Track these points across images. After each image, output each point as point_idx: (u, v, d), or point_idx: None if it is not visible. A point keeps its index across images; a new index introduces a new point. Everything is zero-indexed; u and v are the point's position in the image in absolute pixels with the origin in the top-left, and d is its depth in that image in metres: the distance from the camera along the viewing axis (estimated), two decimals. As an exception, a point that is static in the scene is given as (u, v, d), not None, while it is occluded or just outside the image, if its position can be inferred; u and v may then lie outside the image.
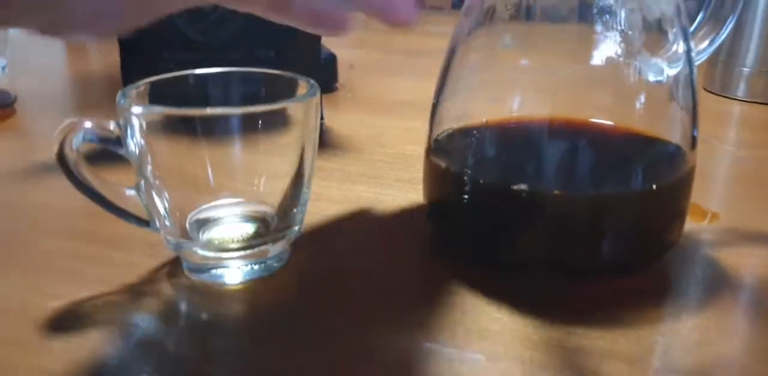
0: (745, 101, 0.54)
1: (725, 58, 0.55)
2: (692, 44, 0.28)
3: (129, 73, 0.45)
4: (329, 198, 0.35)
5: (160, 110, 0.24)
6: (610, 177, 0.27)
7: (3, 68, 0.65)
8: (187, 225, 0.26)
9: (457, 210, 0.28)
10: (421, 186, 0.32)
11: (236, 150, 0.25)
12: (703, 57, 0.29)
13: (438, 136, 0.30)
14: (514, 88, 0.28)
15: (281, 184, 0.27)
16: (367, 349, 0.23)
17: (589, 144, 0.28)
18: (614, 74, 0.27)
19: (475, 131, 0.29)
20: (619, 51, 0.26)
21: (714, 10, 0.29)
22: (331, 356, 0.22)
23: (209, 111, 0.23)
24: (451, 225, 0.29)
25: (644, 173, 0.27)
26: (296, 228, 0.27)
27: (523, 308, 0.25)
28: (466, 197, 0.27)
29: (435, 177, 0.30)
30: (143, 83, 0.27)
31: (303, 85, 0.27)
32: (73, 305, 0.25)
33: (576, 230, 0.26)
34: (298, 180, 0.27)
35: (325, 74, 0.57)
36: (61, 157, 0.25)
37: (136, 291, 0.26)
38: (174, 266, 0.28)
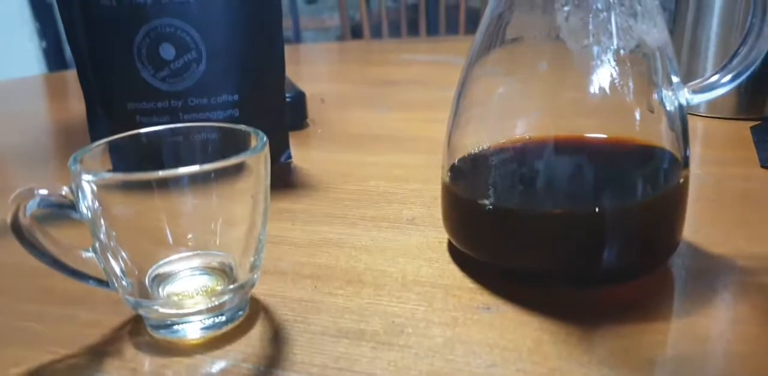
0: (706, 117, 0.55)
1: (684, 74, 0.56)
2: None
3: (95, 125, 0.46)
4: (292, 241, 0.35)
5: (111, 176, 0.24)
6: (619, 189, 0.29)
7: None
8: (147, 281, 0.27)
9: (477, 226, 0.30)
10: (384, 222, 0.35)
11: (190, 204, 0.26)
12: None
13: (455, 163, 0.33)
14: (522, 111, 0.31)
15: (236, 234, 0.27)
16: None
17: (597, 160, 0.30)
18: (624, 100, 0.29)
19: (487, 157, 0.31)
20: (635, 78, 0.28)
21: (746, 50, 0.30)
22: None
23: (161, 174, 0.24)
24: (472, 240, 0.31)
25: (651, 183, 0.29)
26: (254, 276, 0.28)
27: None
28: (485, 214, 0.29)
29: (454, 198, 0.32)
30: (97, 145, 0.27)
31: (253, 138, 0.28)
32: (34, 372, 0.25)
33: (601, 240, 0.28)
34: (252, 230, 0.27)
35: (294, 112, 0.58)
36: (15, 225, 0.25)
37: (99, 352, 0.26)
38: (137, 324, 0.28)
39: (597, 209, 0.28)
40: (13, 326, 0.29)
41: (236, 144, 0.28)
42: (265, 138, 0.27)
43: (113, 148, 0.29)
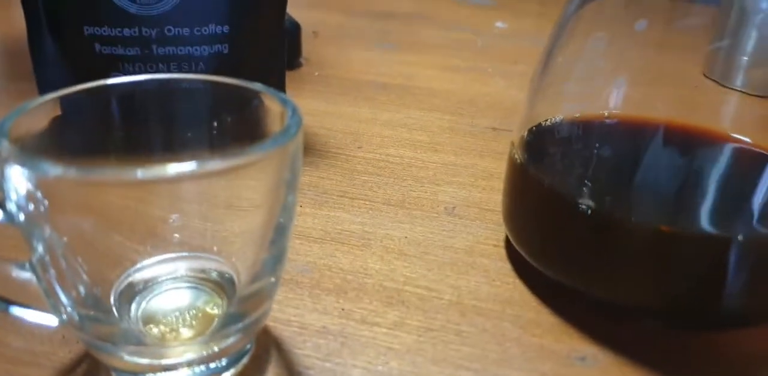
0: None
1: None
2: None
3: (39, 52, 0.36)
4: (304, 232, 0.27)
5: (59, 173, 0.15)
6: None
7: None
8: (112, 300, 0.19)
9: (556, 237, 0.23)
10: (417, 211, 0.28)
11: (177, 189, 0.17)
12: None
13: (537, 128, 0.25)
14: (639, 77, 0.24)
15: (248, 235, 0.19)
16: None
17: (740, 165, 0.23)
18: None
19: (590, 136, 0.25)
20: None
21: None
22: None
23: (142, 174, 0.15)
24: (556, 255, 0.23)
25: None
26: (267, 307, 0.20)
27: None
28: (573, 225, 0.22)
29: (527, 186, 0.24)
30: (38, 104, 0.18)
31: (277, 107, 0.19)
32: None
33: (741, 272, 0.21)
34: (273, 231, 0.19)
35: (289, 48, 0.48)
36: None
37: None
38: (95, 362, 0.20)
39: (741, 236, 0.21)
40: None
41: (244, 106, 0.20)
42: (298, 116, 0.18)
43: (66, 105, 0.20)
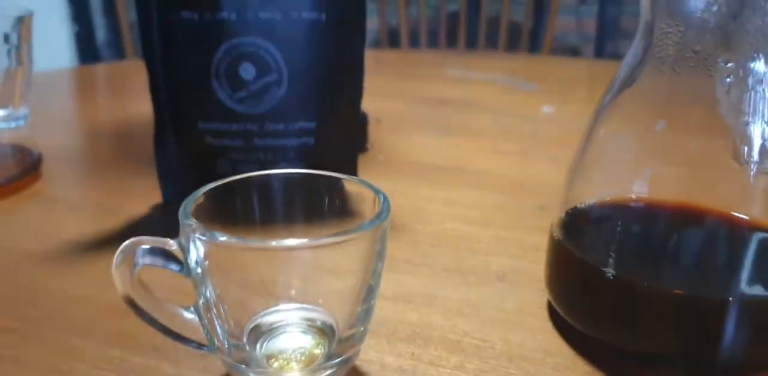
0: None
1: None
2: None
3: (161, 143, 0.44)
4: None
5: (237, 241, 0.22)
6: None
7: (25, 118, 0.63)
8: (244, 338, 0.25)
9: (596, 298, 0.28)
10: (472, 277, 0.34)
11: (298, 259, 0.24)
12: None
13: (574, 210, 0.30)
14: (663, 171, 0.29)
15: (346, 294, 0.25)
16: None
17: (741, 241, 0.28)
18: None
19: (615, 216, 0.29)
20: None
21: None
22: None
23: (278, 244, 0.22)
24: (588, 314, 0.29)
25: None
26: (359, 348, 0.26)
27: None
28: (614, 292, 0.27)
29: (563, 258, 0.30)
30: (202, 194, 0.25)
31: (370, 196, 0.26)
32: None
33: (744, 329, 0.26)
34: (366, 291, 0.25)
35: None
36: (125, 289, 0.23)
37: (191, 420, 0.24)
38: (228, 386, 0.26)
39: (741, 297, 0.26)
40: (102, 374, 0.27)
41: (342, 196, 0.26)
42: (387, 202, 0.25)
43: (215, 193, 0.27)
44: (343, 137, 0.45)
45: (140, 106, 0.72)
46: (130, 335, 0.29)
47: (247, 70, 0.42)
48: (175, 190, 0.44)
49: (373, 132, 0.60)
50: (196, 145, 0.43)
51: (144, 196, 0.45)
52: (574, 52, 1.70)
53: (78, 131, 0.65)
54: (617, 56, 1.58)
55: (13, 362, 0.27)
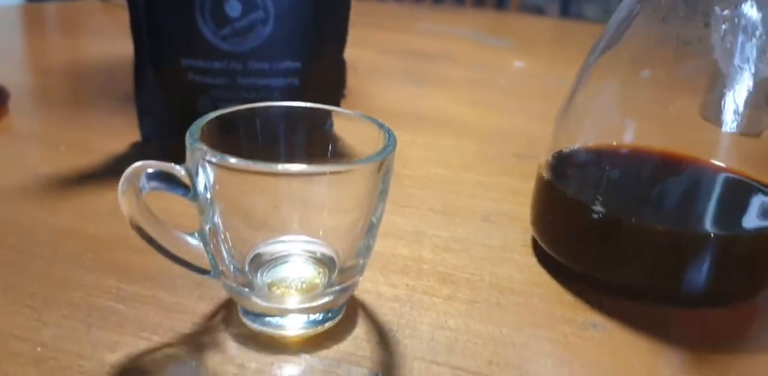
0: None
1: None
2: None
3: (141, 79, 0.43)
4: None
5: (245, 163, 0.22)
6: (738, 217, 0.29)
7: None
8: (246, 265, 0.25)
9: (581, 234, 0.30)
10: (458, 218, 0.35)
11: (301, 189, 0.24)
12: None
13: (560, 153, 0.32)
14: (648, 117, 0.30)
15: (348, 228, 0.26)
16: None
17: (714, 184, 0.30)
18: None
19: (601, 158, 0.31)
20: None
21: None
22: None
23: (286, 168, 0.22)
24: (572, 248, 0.30)
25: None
26: (359, 279, 0.26)
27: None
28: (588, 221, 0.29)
29: (551, 197, 0.31)
30: (210, 120, 0.25)
31: (376, 132, 0.26)
32: (132, 360, 0.23)
33: (700, 262, 0.27)
34: (368, 226, 0.25)
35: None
36: (132, 213, 0.23)
37: (196, 343, 0.25)
38: (228, 312, 0.26)
39: (713, 233, 0.27)
40: (94, 303, 0.27)
41: (346, 131, 0.27)
42: (393, 137, 0.25)
43: (222, 122, 0.26)
44: (328, 80, 0.45)
45: (95, 46, 0.70)
46: (123, 266, 0.29)
47: (233, 7, 0.41)
48: (154, 128, 0.43)
49: (350, 80, 0.60)
50: (177, 82, 0.42)
51: (121, 134, 0.44)
52: (539, 11, 1.71)
53: (37, 70, 0.62)
54: (582, 17, 1.60)
55: (2, 291, 0.27)
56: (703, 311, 0.28)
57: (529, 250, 0.33)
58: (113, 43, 0.69)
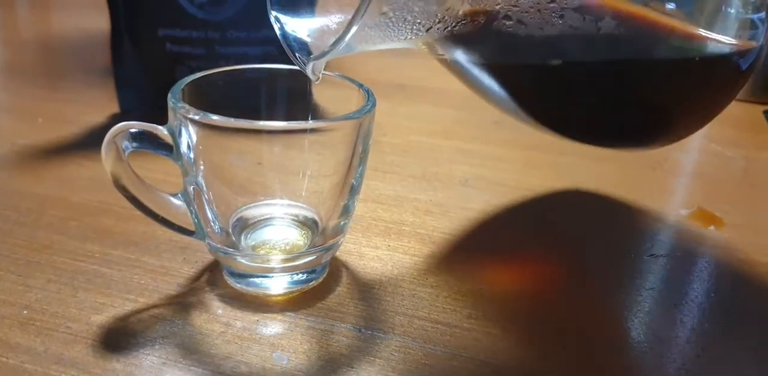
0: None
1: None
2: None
3: (118, 51, 0.43)
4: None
5: (226, 120, 0.22)
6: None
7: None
8: (230, 228, 0.25)
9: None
10: (437, 183, 0.35)
11: (283, 151, 0.24)
12: None
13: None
14: None
15: (329, 191, 0.26)
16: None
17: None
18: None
19: None
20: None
21: None
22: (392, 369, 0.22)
23: (267, 124, 0.22)
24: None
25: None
26: (342, 239, 0.27)
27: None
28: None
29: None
30: (191, 80, 0.25)
31: (355, 92, 0.26)
32: (119, 321, 0.24)
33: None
34: (348, 189, 0.26)
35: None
36: (115, 172, 0.23)
37: (182, 303, 0.25)
38: (213, 274, 0.27)
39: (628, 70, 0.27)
40: (79, 267, 0.27)
41: (326, 91, 0.27)
42: (373, 97, 0.25)
43: (202, 84, 0.26)
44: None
45: (68, 19, 0.69)
46: (107, 232, 0.29)
47: (209, -25, 0.40)
48: (132, 99, 0.43)
49: (329, 51, 0.59)
50: (155, 52, 0.42)
51: (99, 106, 0.43)
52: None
53: (9, 44, 0.61)
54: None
55: (-13, 257, 0.27)
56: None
57: (509, 213, 0.33)
58: (85, 15, 0.68)
